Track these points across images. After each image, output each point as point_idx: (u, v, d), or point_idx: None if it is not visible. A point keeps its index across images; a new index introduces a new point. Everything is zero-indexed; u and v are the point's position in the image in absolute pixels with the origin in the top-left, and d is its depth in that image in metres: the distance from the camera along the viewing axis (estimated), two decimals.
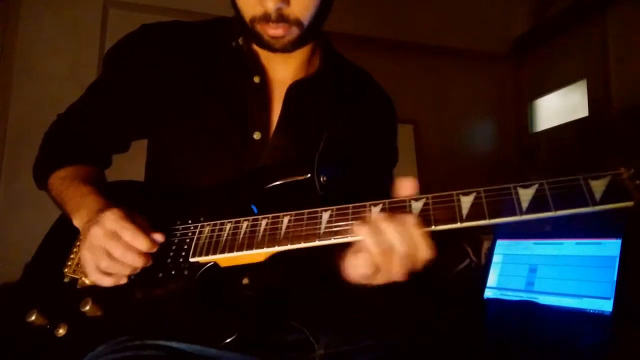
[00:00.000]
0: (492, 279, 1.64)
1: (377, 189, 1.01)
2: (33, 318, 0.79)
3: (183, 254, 0.80)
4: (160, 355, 0.70)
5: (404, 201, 0.69)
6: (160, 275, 0.80)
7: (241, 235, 0.77)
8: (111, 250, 0.75)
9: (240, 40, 0.95)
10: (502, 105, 3.09)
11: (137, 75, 0.96)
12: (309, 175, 0.83)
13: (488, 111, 3.07)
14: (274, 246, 0.73)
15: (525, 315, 1.40)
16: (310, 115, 0.96)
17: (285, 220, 0.75)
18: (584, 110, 2.60)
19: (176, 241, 0.83)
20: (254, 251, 0.75)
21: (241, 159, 0.91)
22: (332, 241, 0.71)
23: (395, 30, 2.81)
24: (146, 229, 0.78)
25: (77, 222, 0.84)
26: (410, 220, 0.67)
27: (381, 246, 0.67)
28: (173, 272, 0.79)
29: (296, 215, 0.75)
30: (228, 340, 0.73)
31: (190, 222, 0.84)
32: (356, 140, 0.99)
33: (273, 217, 0.76)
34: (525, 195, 0.63)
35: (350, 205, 0.72)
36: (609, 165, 0.62)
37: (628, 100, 2.29)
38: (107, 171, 1.05)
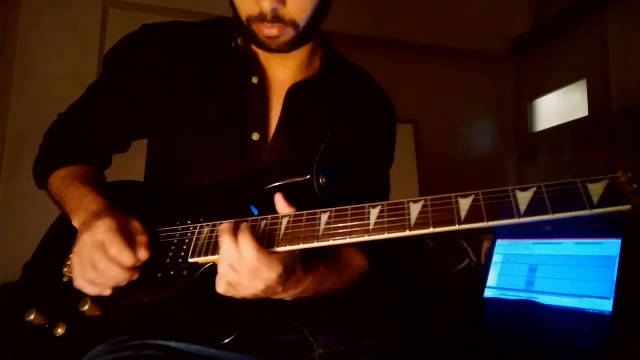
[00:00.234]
0: (492, 279, 1.64)
1: (375, 190, 1.01)
2: (32, 317, 0.79)
3: (182, 254, 0.80)
4: (159, 355, 0.71)
5: (403, 203, 0.69)
6: (160, 275, 0.80)
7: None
8: (96, 262, 0.74)
9: (239, 41, 0.95)
10: (502, 105, 3.09)
11: (137, 75, 0.96)
12: (308, 176, 0.83)
13: (488, 111, 3.07)
14: (273, 247, 0.73)
15: (525, 315, 1.40)
16: (310, 117, 0.96)
17: (285, 221, 0.75)
18: (584, 110, 2.60)
19: (175, 242, 0.83)
20: None
21: (240, 160, 0.91)
22: (331, 243, 0.71)
23: (395, 30, 2.81)
24: (139, 237, 0.78)
25: (76, 222, 0.84)
26: (245, 243, 0.69)
27: (223, 262, 0.71)
28: (172, 273, 0.80)
29: (295, 216, 0.75)
30: (227, 340, 0.73)
31: (189, 222, 0.84)
32: (356, 141, 0.99)
33: (272, 218, 0.77)
34: (524, 198, 0.63)
35: (349, 207, 0.73)
36: (609, 166, 0.62)
37: (628, 100, 2.29)
38: (107, 171, 1.05)
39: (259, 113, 0.94)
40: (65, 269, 0.86)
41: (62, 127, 1.01)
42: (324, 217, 0.73)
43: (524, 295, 1.51)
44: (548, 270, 1.50)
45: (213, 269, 0.77)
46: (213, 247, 0.78)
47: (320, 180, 0.84)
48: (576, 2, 2.57)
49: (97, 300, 0.78)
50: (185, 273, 0.79)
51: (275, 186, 0.83)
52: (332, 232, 0.71)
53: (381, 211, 0.70)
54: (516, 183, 0.66)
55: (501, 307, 1.54)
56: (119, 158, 1.07)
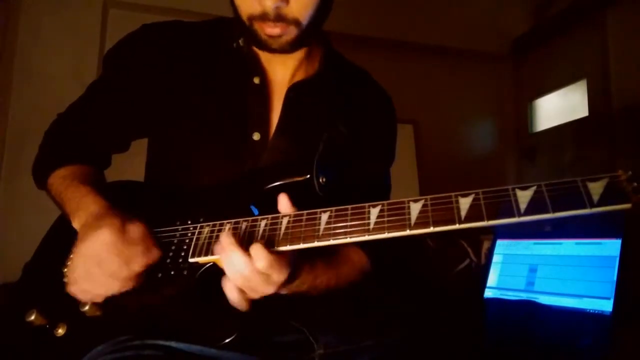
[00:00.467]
0: (492, 279, 1.64)
1: (375, 189, 1.01)
2: (32, 318, 0.79)
3: (182, 254, 0.80)
4: (159, 355, 0.70)
5: (403, 202, 0.69)
6: (160, 275, 0.80)
7: (240, 236, 0.77)
8: (93, 274, 0.75)
9: (241, 41, 0.95)
10: (502, 105, 3.09)
11: (137, 74, 0.96)
12: (308, 176, 0.83)
13: (488, 111, 3.07)
14: (273, 247, 0.73)
15: (525, 315, 1.40)
16: (309, 116, 0.96)
17: (285, 221, 0.75)
18: (583, 110, 2.60)
19: (175, 241, 0.83)
20: None
21: (241, 160, 0.91)
22: (331, 242, 0.71)
23: (395, 30, 2.81)
24: (137, 247, 0.77)
25: (75, 223, 0.84)
26: (258, 252, 0.70)
27: (233, 273, 0.72)
28: (172, 273, 0.79)
29: (295, 216, 0.75)
30: (227, 340, 0.73)
31: (189, 222, 0.84)
32: (355, 140, 0.99)
33: (272, 218, 0.76)
34: (524, 197, 0.63)
35: (349, 206, 0.73)
36: (609, 166, 0.62)
37: (628, 100, 2.29)
38: (107, 171, 1.05)
39: (260, 113, 0.94)
40: (66, 269, 0.86)
41: (62, 127, 1.01)
42: (324, 217, 0.73)
43: (524, 295, 1.51)
44: (548, 270, 1.50)
45: (213, 268, 0.77)
46: (213, 247, 0.78)
47: (320, 180, 0.84)
48: (576, 2, 2.58)
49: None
50: (185, 273, 0.79)
51: (275, 186, 0.83)
52: (332, 231, 0.71)
53: (381, 210, 0.70)
54: (516, 183, 0.66)
55: (501, 307, 1.54)
56: (119, 158, 1.07)
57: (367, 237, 0.69)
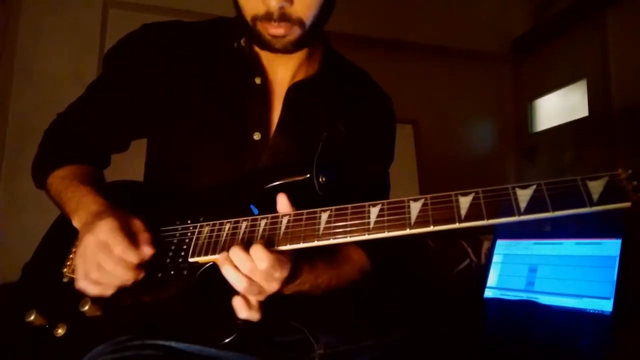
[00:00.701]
0: (492, 279, 1.64)
1: (375, 188, 1.01)
2: (32, 318, 0.79)
3: (182, 254, 0.80)
4: (159, 355, 0.70)
5: (403, 202, 0.69)
6: (160, 275, 0.80)
7: (240, 236, 0.77)
8: (102, 262, 0.74)
9: (242, 41, 0.95)
10: (502, 105, 3.09)
11: (137, 74, 0.96)
12: (308, 175, 0.83)
13: (488, 111, 3.07)
14: (273, 247, 0.73)
15: (526, 315, 1.40)
16: (309, 116, 0.96)
17: (285, 220, 0.75)
18: (583, 110, 2.60)
19: (175, 241, 0.83)
20: None
21: (241, 160, 0.91)
22: (331, 241, 0.71)
23: (395, 30, 2.81)
24: (141, 235, 0.78)
25: (76, 223, 0.84)
26: (257, 251, 0.71)
27: (237, 279, 0.72)
28: (172, 272, 0.79)
29: (295, 215, 0.75)
30: (227, 340, 0.73)
31: (189, 222, 0.84)
32: (355, 140, 0.99)
33: (272, 217, 0.76)
34: (523, 195, 0.63)
35: (349, 205, 0.72)
36: (609, 166, 0.62)
37: (628, 100, 2.30)
38: (107, 171, 1.05)
39: (260, 113, 0.94)
40: (65, 269, 0.86)
41: (62, 126, 1.01)
42: (324, 216, 0.73)
43: (524, 295, 1.51)
44: (548, 270, 1.50)
45: (213, 268, 0.77)
46: (213, 246, 0.78)
47: (320, 179, 0.84)
48: (576, 2, 2.58)
49: (97, 300, 0.78)
50: (185, 273, 0.79)
51: (275, 185, 0.83)
52: (332, 230, 0.71)
53: (381, 209, 0.70)
54: (516, 183, 0.65)
55: (501, 307, 1.54)
56: (119, 158, 1.07)
57: (367, 237, 0.69)
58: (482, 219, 0.64)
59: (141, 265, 0.77)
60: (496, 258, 1.67)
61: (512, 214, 0.63)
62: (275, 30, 0.84)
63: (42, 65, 2.31)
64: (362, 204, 0.72)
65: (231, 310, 0.75)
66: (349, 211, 0.72)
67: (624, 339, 1.24)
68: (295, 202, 0.77)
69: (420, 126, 2.85)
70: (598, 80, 2.49)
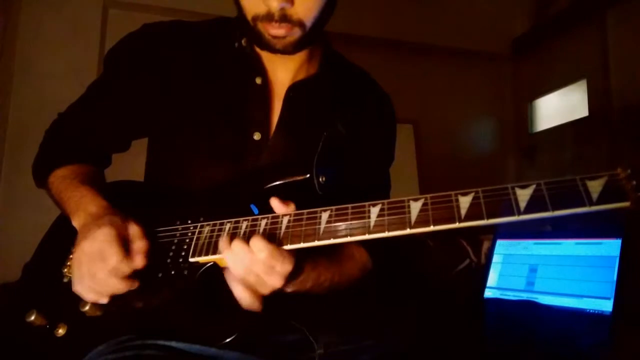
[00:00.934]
0: (492, 279, 1.64)
1: (373, 189, 1.01)
2: (32, 318, 0.79)
3: (183, 254, 0.80)
4: (160, 355, 0.70)
5: (403, 201, 0.69)
6: (160, 275, 0.80)
7: (240, 236, 0.77)
8: (96, 271, 0.74)
9: (243, 41, 0.95)
10: (502, 105, 3.09)
11: (138, 74, 0.96)
12: (307, 175, 0.83)
13: (488, 111, 3.07)
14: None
15: (526, 315, 1.40)
16: (309, 115, 0.96)
17: (285, 220, 0.75)
18: (583, 110, 2.60)
19: (176, 241, 0.83)
20: None
21: (241, 160, 0.91)
22: (331, 241, 0.71)
23: (395, 30, 2.81)
24: (137, 244, 0.77)
25: (75, 223, 0.84)
26: (258, 244, 0.71)
27: (240, 269, 0.73)
28: (173, 272, 0.79)
29: (295, 215, 0.75)
30: (228, 340, 0.73)
31: (189, 222, 0.84)
32: (355, 140, 0.99)
33: (272, 217, 0.76)
34: (523, 195, 0.63)
35: (350, 205, 0.72)
36: (609, 166, 0.62)
37: (628, 100, 2.30)
38: (107, 171, 1.05)
39: (261, 113, 0.94)
40: (65, 270, 0.86)
41: (62, 126, 1.01)
42: (324, 216, 0.73)
43: (524, 295, 1.51)
44: (548, 270, 1.50)
45: (214, 268, 0.77)
46: (213, 246, 0.78)
47: (320, 179, 0.84)
48: (576, 2, 2.58)
49: None
50: (185, 273, 0.79)
51: (275, 185, 0.83)
52: (332, 230, 0.71)
53: (381, 209, 0.70)
54: (516, 183, 0.65)
55: (501, 307, 1.54)
56: (119, 158, 1.07)
57: (367, 237, 0.69)
58: (482, 218, 0.64)
59: (135, 275, 0.77)
60: (496, 258, 1.67)
61: (512, 214, 0.62)
62: (275, 31, 0.84)
63: (42, 65, 2.31)
64: (362, 203, 0.72)
65: (231, 310, 0.75)
66: (349, 211, 0.72)
67: (624, 339, 1.24)
68: (295, 202, 0.77)
69: (420, 126, 2.85)
70: (598, 80, 2.49)
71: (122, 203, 0.84)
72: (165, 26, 0.99)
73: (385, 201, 0.71)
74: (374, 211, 0.70)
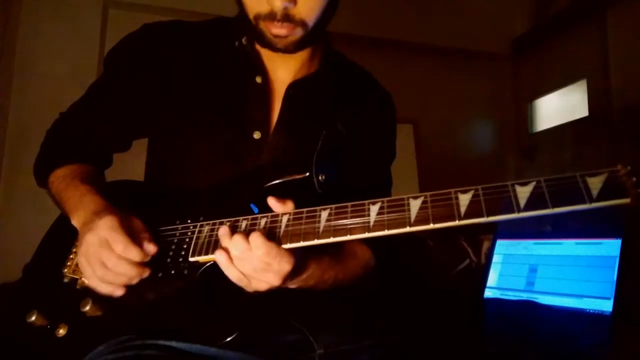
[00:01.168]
0: (492, 279, 1.64)
1: (374, 187, 1.01)
2: (33, 318, 0.79)
3: (182, 253, 0.80)
4: (160, 355, 0.70)
5: (402, 199, 0.69)
6: (160, 275, 0.80)
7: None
8: (105, 260, 0.75)
9: (243, 40, 0.95)
10: (502, 105, 3.09)
11: (138, 74, 0.97)
12: (307, 174, 0.83)
13: (488, 111, 3.07)
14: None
15: (526, 315, 1.40)
16: (309, 114, 0.96)
17: (284, 219, 0.75)
18: (584, 110, 2.60)
19: (175, 241, 0.83)
20: None
21: (241, 159, 0.91)
22: (331, 240, 0.71)
23: (395, 30, 2.81)
24: (142, 234, 0.78)
25: (75, 222, 0.84)
26: (257, 240, 0.71)
27: (237, 261, 0.73)
28: (173, 272, 0.80)
29: (295, 214, 0.75)
30: (228, 339, 0.73)
31: (189, 221, 0.84)
32: (355, 138, 0.99)
33: (272, 216, 0.76)
34: (523, 192, 0.63)
35: (349, 203, 0.72)
36: (609, 166, 0.62)
37: (628, 100, 2.30)
38: (107, 171, 1.05)
39: (261, 112, 0.94)
40: (65, 270, 0.86)
41: (63, 126, 1.02)
42: (324, 214, 0.73)
43: (524, 295, 1.51)
44: (548, 270, 1.50)
45: (214, 268, 0.77)
46: (213, 245, 0.78)
47: (320, 177, 0.84)
48: (576, 2, 2.58)
49: (98, 300, 0.78)
50: (185, 272, 0.79)
51: (275, 184, 0.83)
52: (332, 229, 0.71)
53: (381, 207, 0.70)
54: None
55: (501, 307, 1.54)
56: (119, 158, 1.07)
57: (367, 235, 0.69)
58: (481, 216, 0.63)
59: (146, 263, 0.77)
60: (496, 258, 1.67)
61: (511, 211, 0.62)
62: (277, 30, 0.84)
63: (42, 65, 2.31)
64: (362, 202, 0.72)
65: (231, 310, 0.75)
66: (349, 209, 0.72)
67: (624, 339, 1.24)
68: (295, 201, 0.77)
69: (420, 126, 2.85)
70: (598, 80, 2.49)
71: (122, 203, 0.84)
72: (165, 26, 0.99)
73: (385, 199, 0.71)
74: (374, 209, 0.70)
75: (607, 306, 1.30)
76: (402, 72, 2.72)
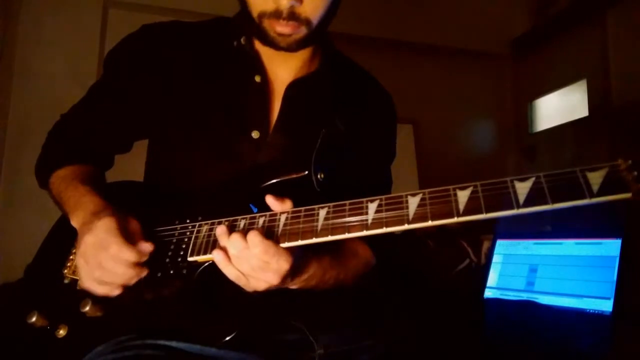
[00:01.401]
0: (492, 279, 1.64)
1: (374, 186, 1.01)
2: (34, 319, 0.79)
3: (181, 253, 0.80)
4: (160, 355, 0.70)
5: (401, 197, 0.69)
6: (159, 274, 0.80)
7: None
8: (102, 261, 0.75)
9: (242, 40, 0.95)
10: (502, 105, 3.09)
11: (137, 75, 0.97)
12: (306, 172, 0.83)
13: (488, 111, 3.07)
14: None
15: (526, 315, 1.40)
16: (308, 113, 0.96)
17: (283, 217, 0.75)
18: (583, 110, 2.60)
19: (174, 241, 0.83)
20: None
21: (239, 158, 0.91)
22: (329, 238, 0.71)
23: (395, 30, 2.81)
24: (138, 236, 0.78)
25: (74, 222, 0.84)
26: (254, 238, 0.71)
27: (234, 260, 0.73)
28: (172, 272, 0.80)
29: (293, 212, 0.75)
30: (227, 339, 0.73)
31: (188, 221, 0.84)
32: (354, 137, 0.99)
33: (270, 215, 0.76)
34: (522, 188, 0.62)
35: (347, 202, 0.72)
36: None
37: (628, 100, 2.29)
38: (107, 171, 1.05)
39: (260, 111, 0.94)
40: (66, 271, 0.86)
41: (64, 127, 1.02)
42: (322, 213, 0.73)
43: (524, 295, 1.51)
44: (548, 270, 1.50)
45: (212, 267, 0.77)
46: (212, 245, 0.78)
47: (319, 176, 0.84)
48: (576, 2, 2.58)
49: (97, 301, 0.78)
50: (184, 272, 0.79)
51: (274, 183, 0.83)
52: (330, 227, 0.71)
53: (379, 205, 0.70)
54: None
55: (501, 307, 1.54)
56: (119, 158, 1.07)
57: (365, 232, 0.69)
58: (480, 212, 0.63)
59: (144, 263, 0.77)
60: (496, 258, 1.67)
61: (511, 207, 0.61)
62: (282, 28, 0.84)
63: (42, 65, 2.31)
64: (360, 200, 0.71)
65: (231, 310, 0.75)
66: (347, 207, 0.72)
67: (624, 339, 1.24)
68: (294, 200, 0.77)
69: (420, 126, 2.85)
70: (598, 80, 2.49)
71: (121, 203, 0.84)
72: (165, 27, 0.99)
73: (383, 197, 0.70)
74: (372, 207, 0.70)
75: (607, 306, 1.30)
76: (402, 72, 2.72)
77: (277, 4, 0.82)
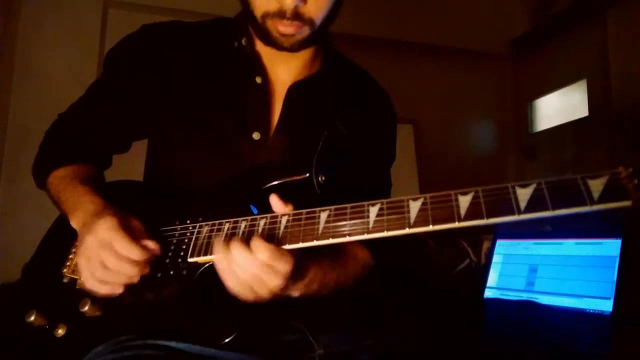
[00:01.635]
0: (492, 279, 1.64)
1: (374, 188, 1.01)
2: (32, 318, 0.79)
3: (181, 254, 0.80)
4: (160, 355, 0.70)
5: (402, 201, 0.69)
6: (159, 275, 0.80)
7: (239, 236, 0.76)
8: (105, 260, 0.75)
9: (243, 41, 0.95)
10: (502, 105, 3.09)
11: (137, 75, 0.97)
12: (307, 174, 0.83)
13: (488, 111, 3.07)
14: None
15: (526, 315, 1.40)
16: (309, 115, 0.96)
17: (284, 220, 0.75)
18: (583, 110, 2.60)
19: (175, 241, 0.83)
20: None
21: (240, 159, 0.91)
22: (330, 241, 0.71)
23: (395, 30, 2.81)
24: (141, 235, 0.78)
25: (73, 222, 0.84)
26: (259, 245, 0.70)
27: (234, 272, 0.71)
28: (172, 272, 0.79)
29: (294, 215, 0.75)
30: (227, 340, 0.73)
31: (188, 222, 0.84)
32: (355, 139, 0.99)
33: (271, 217, 0.76)
34: (523, 194, 0.62)
35: (348, 205, 0.72)
36: (609, 166, 0.61)
37: (628, 100, 2.29)
38: (107, 171, 1.05)
39: (261, 112, 0.94)
40: (65, 270, 0.86)
41: (62, 127, 1.02)
42: (323, 216, 0.73)
43: (524, 295, 1.51)
44: (548, 270, 1.50)
45: (212, 268, 0.77)
46: (212, 246, 0.78)
47: (320, 178, 0.84)
48: (576, 2, 2.57)
49: (97, 300, 0.78)
50: (184, 273, 0.79)
51: (274, 185, 0.83)
52: (331, 230, 0.71)
53: (380, 209, 0.70)
54: (516, 182, 0.65)
55: (501, 307, 1.54)
56: (118, 158, 1.07)
57: (366, 236, 0.69)
58: (481, 218, 0.63)
59: (145, 261, 0.77)
60: (496, 258, 1.67)
61: (512, 213, 0.62)
62: (285, 28, 0.84)
63: (42, 65, 2.31)
64: (361, 203, 0.71)
65: (231, 310, 0.75)
66: (348, 210, 0.72)
67: (624, 339, 1.24)
68: (294, 202, 0.77)
69: (420, 126, 2.84)
70: (598, 80, 2.49)
71: (121, 202, 0.84)
72: (165, 27, 0.99)
73: (385, 201, 0.70)
74: (373, 211, 0.70)
75: (607, 306, 1.30)
76: (402, 72, 2.72)
77: (281, 4, 0.82)
